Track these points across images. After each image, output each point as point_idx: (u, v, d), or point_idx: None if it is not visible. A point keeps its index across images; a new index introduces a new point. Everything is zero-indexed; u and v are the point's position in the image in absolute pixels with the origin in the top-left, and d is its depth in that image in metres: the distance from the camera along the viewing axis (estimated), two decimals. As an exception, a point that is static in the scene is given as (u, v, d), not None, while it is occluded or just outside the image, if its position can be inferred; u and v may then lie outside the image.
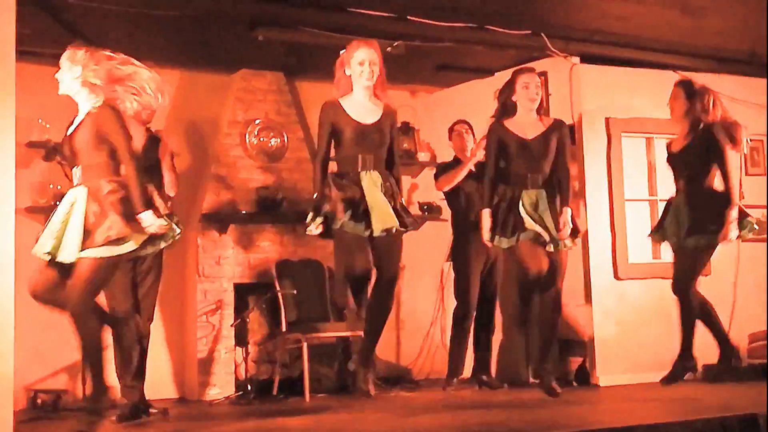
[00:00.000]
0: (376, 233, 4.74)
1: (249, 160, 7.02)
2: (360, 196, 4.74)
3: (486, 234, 5.38)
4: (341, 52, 6.15)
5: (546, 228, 5.22)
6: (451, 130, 6.77)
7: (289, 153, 7.16)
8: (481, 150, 6.36)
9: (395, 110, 5.08)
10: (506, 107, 5.40)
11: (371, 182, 4.79)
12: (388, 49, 6.34)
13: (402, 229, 4.84)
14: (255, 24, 6.03)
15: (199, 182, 6.91)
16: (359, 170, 4.80)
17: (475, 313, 6.52)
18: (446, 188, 6.59)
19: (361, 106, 4.90)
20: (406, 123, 7.79)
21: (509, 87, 5.40)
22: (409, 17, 6.13)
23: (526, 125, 5.36)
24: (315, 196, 4.87)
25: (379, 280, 4.85)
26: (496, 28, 6.40)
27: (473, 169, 6.51)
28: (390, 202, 4.81)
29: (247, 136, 7.02)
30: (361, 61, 4.87)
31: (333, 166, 4.97)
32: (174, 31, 6.18)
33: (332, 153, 4.96)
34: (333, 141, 4.89)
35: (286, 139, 7.15)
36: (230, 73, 7.13)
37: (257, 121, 7.07)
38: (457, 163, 6.66)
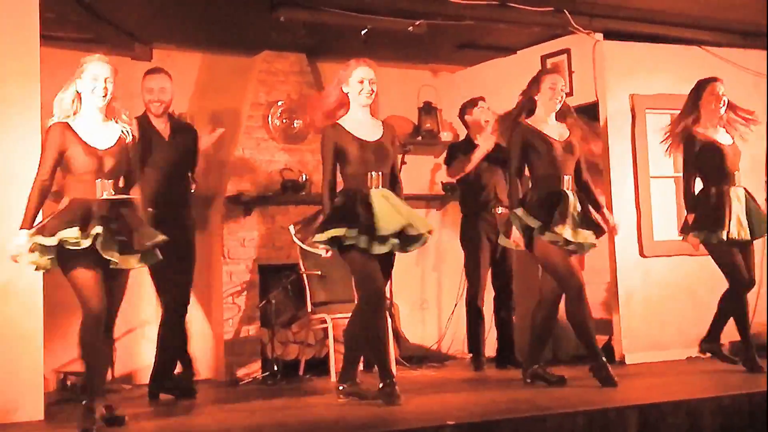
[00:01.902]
0: (385, 248, 4.75)
1: (272, 141, 7.04)
2: (370, 215, 4.71)
3: (517, 239, 5.29)
4: (362, 32, 6.19)
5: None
6: (465, 107, 6.74)
7: (312, 134, 7.15)
8: (492, 139, 6.36)
9: (394, 127, 5.09)
10: (528, 105, 5.37)
11: (382, 199, 4.78)
12: (410, 28, 6.34)
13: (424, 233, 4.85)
14: (276, 5, 6.02)
15: (223, 164, 6.94)
16: (370, 187, 4.80)
17: (483, 293, 6.54)
18: (457, 177, 6.60)
19: (362, 124, 4.91)
20: (428, 103, 7.77)
21: (535, 86, 5.36)
22: (430, -5, 6.10)
23: (549, 125, 5.33)
24: (322, 216, 4.85)
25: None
26: (518, 6, 6.35)
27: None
28: (402, 219, 4.78)
29: (269, 117, 7.03)
30: (360, 80, 4.87)
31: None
32: (195, 13, 6.19)
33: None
34: (338, 161, 4.88)
35: (308, 121, 7.15)
36: (252, 55, 7.13)
37: (280, 103, 7.07)
38: (468, 144, 6.65)
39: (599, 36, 6.73)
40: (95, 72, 4.31)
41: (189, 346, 5.72)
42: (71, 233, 4.11)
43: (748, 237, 5.59)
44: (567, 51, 6.90)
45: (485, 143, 6.47)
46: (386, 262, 4.93)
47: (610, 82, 6.68)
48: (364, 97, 4.89)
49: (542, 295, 5.43)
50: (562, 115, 5.41)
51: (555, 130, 5.34)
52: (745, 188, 5.72)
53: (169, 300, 5.42)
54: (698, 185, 5.76)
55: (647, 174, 6.69)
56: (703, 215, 5.60)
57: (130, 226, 4.30)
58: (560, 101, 5.34)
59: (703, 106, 5.70)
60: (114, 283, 4.32)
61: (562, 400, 4.64)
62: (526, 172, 5.46)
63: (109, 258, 4.18)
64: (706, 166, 5.66)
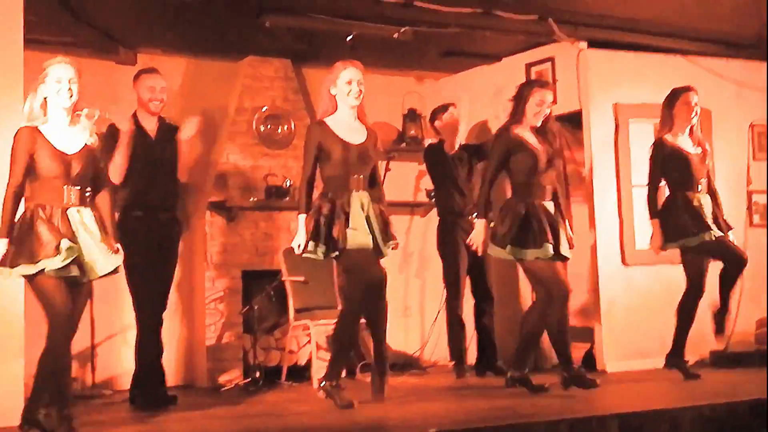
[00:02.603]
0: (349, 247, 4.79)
1: (256, 147, 7.02)
2: (347, 220, 4.78)
3: (477, 245, 5.35)
4: (348, 38, 6.22)
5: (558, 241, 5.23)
6: (435, 113, 6.78)
7: (297, 140, 7.15)
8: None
9: (377, 133, 5.12)
10: (517, 113, 5.36)
11: (360, 204, 4.84)
12: (395, 35, 6.35)
13: (383, 251, 4.93)
14: (262, 10, 6.02)
15: (207, 169, 6.92)
16: (351, 190, 4.84)
17: (463, 300, 6.56)
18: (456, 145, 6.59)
19: (348, 126, 4.93)
20: (413, 110, 7.79)
21: (525, 95, 5.35)
22: (415, 3, 6.10)
23: (531, 136, 5.33)
24: (303, 217, 4.86)
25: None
26: (503, 14, 6.37)
27: (457, 154, 6.55)
28: (378, 224, 4.88)
29: (254, 123, 7.02)
30: (348, 81, 4.90)
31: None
32: (180, 17, 6.17)
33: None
34: (319, 161, 4.91)
35: (293, 126, 7.15)
36: (237, 60, 7.12)
37: (264, 109, 7.06)
38: (440, 148, 6.68)
39: (583, 45, 6.76)
40: (58, 74, 4.29)
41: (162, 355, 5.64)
42: (54, 264, 4.10)
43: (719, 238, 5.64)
44: (551, 59, 6.94)
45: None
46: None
47: (594, 91, 6.71)
48: (352, 98, 4.91)
49: (535, 300, 5.45)
50: (542, 129, 5.39)
51: (535, 140, 5.34)
52: (710, 195, 5.78)
53: (145, 307, 5.36)
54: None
55: (630, 182, 6.71)
56: (672, 222, 5.63)
57: (95, 242, 4.29)
58: (544, 117, 5.34)
59: (676, 114, 5.75)
60: (75, 291, 4.27)
61: (544, 408, 4.65)
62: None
63: (74, 274, 4.18)
64: (672, 173, 5.71)
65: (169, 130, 5.56)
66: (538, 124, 5.34)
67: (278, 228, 6.96)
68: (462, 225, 6.59)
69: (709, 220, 5.63)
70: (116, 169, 5.24)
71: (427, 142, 7.67)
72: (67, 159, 4.27)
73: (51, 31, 6.01)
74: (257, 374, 6.31)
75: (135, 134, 5.30)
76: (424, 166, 7.33)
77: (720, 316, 5.75)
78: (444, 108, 6.78)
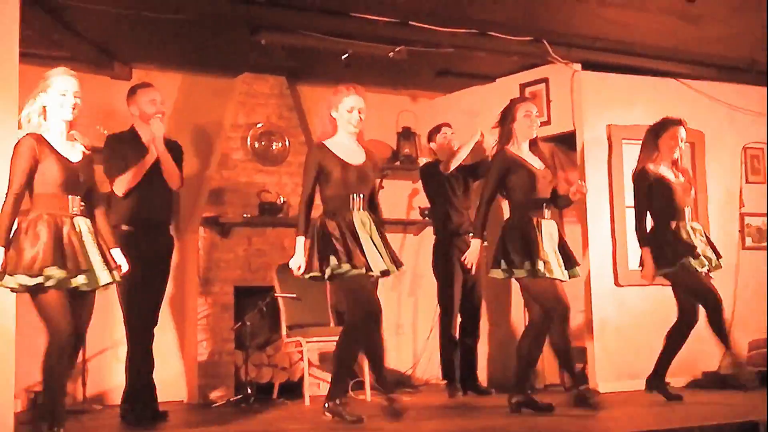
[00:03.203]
0: (374, 275, 4.85)
1: (250, 163, 7.04)
2: (354, 238, 4.81)
3: (471, 264, 5.34)
4: (343, 56, 6.24)
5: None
6: (431, 134, 6.82)
7: (291, 157, 7.18)
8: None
9: (376, 154, 5.16)
10: (506, 135, 5.35)
11: (362, 223, 4.87)
12: (390, 54, 6.38)
13: (395, 271, 4.97)
14: (257, 28, 6.05)
15: (201, 185, 6.93)
16: (351, 210, 4.87)
17: (456, 320, 6.56)
18: (452, 167, 6.57)
19: (347, 148, 4.98)
20: (407, 128, 7.82)
21: (510, 115, 5.36)
22: (410, 22, 6.15)
23: (526, 154, 5.34)
24: (302, 239, 4.87)
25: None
26: (498, 35, 6.42)
27: (454, 174, 6.58)
28: (385, 241, 4.93)
29: (248, 139, 7.04)
30: (350, 108, 4.94)
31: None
32: (176, 34, 6.20)
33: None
34: (319, 182, 4.94)
35: (287, 143, 7.17)
36: (232, 77, 7.14)
37: (259, 125, 7.08)
38: (438, 165, 6.70)
39: (577, 66, 6.81)
40: (63, 87, 4.25)
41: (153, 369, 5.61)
42: (58, 273, 4.07)
43: (704, 269, 5.65)
44: (545, 80, 6.98)
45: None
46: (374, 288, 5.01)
47: (588, 112, 6.74)
48: (352, 125, 4.96)
49: (530, 321, 5.43)
50: (532, 146, 5.41)
51: (533, 158, 5.35)
52: (699, 224, 5.80)
53: (136, 322, 5.34)
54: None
55: (623, 203, 6.74)
56: (660, 251, 5.64)
57: (97, 251, 4.28)
58: (536, 127, 5.36)
59: (661, 144, 5.74)
60: (81, 302, 4.25)
61: (536, 429, 4.65)
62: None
63: (77, 285, 4.16)
64: (656, 202, 5.70)
65: (166, 145, 5.56)
66: (534, 135, 5.34)
67: (271, 244, 6.97)
68: (458, 244, 6.60)
69: (699, 250, 5.62)
70: (124, 183, 5.25)
71: (422, 161, 7.70)
72: (72, 167, 4.25)
73: (47, 45, 6.04)
74: (249, 391, 6.29)
75: (134, 147, 5.30)
76: (417, 185, 7.36)
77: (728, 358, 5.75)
78: (438, 129, 6.81)
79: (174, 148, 5.56)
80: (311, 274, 4.86)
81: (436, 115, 7.61)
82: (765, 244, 7.23)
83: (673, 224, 5.65)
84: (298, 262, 4.87)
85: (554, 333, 5.18)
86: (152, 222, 5.39)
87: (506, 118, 5.38)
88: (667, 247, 5.62)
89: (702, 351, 5.98)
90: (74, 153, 4.31)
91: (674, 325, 5.74)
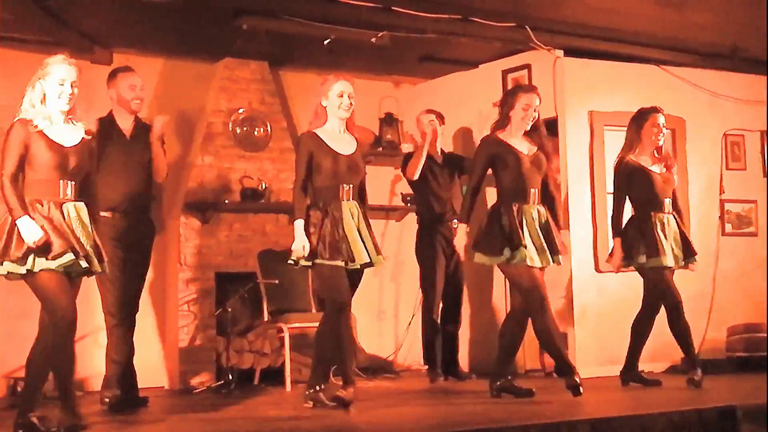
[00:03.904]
0: (356, 266, 4.89)
1: (232, 149, 7.01)
2: (341, 229, 4.84)
3: (459, 249, 5.36)
4: (325, 42, 6.23)
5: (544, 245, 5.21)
6: (418, 118, 6.83)
7: (273, 143, 7.15)
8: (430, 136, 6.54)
9: (366, 145, 5.15)
10: (502, 119, 5.33)
11: (350, 213, 4.90)
12: (373, 39, 6.37)
13: (380, 263, 5.01)
14: (239, 13, 6.02)
15: (182, 171, 6.90)
16: (341, 200, 4.89)
17: (439, 306, 6.59)
18: (415, 175, 6.61)
19: (337, 137, 5.00)
20: (390, 114, 7.81)
21: (510, 101, 5.34)
22: (393, 8, 6.12)
23: (519, 140, 5.31)
24: (301, 222, 4.88)
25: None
26: (480, 21, 6.41)
27: (438, 161, 6.59)
28: (370, 232, 4.97)
29: (230, 125, 7.01)
30: (340, 93, 4.97)
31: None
32: (157, 19, 6.16)
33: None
34: (311, 171, 4.95)
35: (269, 129, 7.14)
36: (214, 62, 7.10)
37: (241, 111, 7.05)
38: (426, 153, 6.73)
39: (560, 52, 6.80)
40: (62, 75, 4.22)
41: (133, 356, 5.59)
42: (47, 264, 4.05)
43: (679, 264, 5.70)
44: (528, 66, 6.97)
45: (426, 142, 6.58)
46: (356, 274, 5.01)
47: (570, 99, 6.75)
48: (343, 110, 4.98)
49: (512, 308, 5.45)
50: (532, 130, 5.36)
51: (523, 144, 5.32)
52: (674, 215, 5.79)
53: (116, 308, 5.32)
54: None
55: (604, 190, 6.76)
56: (629, 241, 5.67)
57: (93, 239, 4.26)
58: (532, 121, 5.31)
59: (643, 135, 5.76)
60: (73, 283, 4.25)
61: (516, 413, 4.66)
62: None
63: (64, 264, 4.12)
64: (635, 192, 5.74)
65: (144, 130, 5.53)
66: (528, 128, 5.31)
67: (253, 230, 6.95)
68: (440, 230, 6.62)
69: (673, 244, 5.65)
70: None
71: (405, 147, 7.69)
72: (64, 151, 4.21)
73: (26, 29, 5.98)
74: (230, 377, 6.29)
75: (106, 136, 5.26)
76: (400, 171, 7.35)
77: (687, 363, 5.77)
78: (425, 112, 6.82)
79: (149, 131, 5.53)
80: (303, 261, 4.88)
81: (418, 101, 7.62)
82: (744, 230, 7.28)
83: (651, 215, 5.68)
84: (301, 243, 4.87)
85: (536, 321, 5.19)
86: (131, 208, 5.36)
87: (505, 104, 5.37)
88: (633, 240, 5.66)
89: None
90: (71, 137, 4.27)
91: (637, 315, 5.83)
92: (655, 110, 5.80)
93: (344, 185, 4.92)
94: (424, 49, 7.06)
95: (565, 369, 5.22)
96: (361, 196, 5.07)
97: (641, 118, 5.81)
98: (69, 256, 4.09)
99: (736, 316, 6.98)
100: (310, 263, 4.90)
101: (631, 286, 6.57)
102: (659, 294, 5.70)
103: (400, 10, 6.14)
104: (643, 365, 6.02)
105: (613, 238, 5.80)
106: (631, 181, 5.73)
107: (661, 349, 6.16)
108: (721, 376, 6.28)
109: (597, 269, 6.69)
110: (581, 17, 6.55)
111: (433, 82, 7.84)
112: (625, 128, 6.87)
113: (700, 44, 7.16)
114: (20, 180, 4.17)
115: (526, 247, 5.10)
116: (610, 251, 5.86)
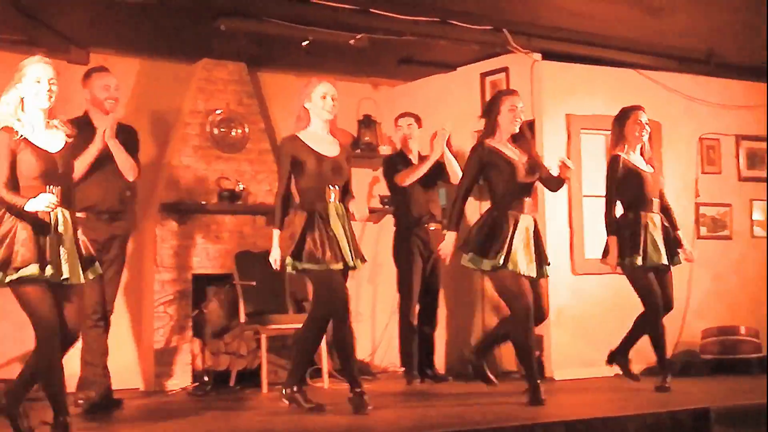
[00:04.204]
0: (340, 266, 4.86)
1: (209, 150, 6.98)
2: (326, 232, 4.83)
3: (445, 256, 5.27)
4: (304, 43, 6.22)
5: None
6: (396, 121, 6.83)
7: (251, 144, 7.14)
8: (440, 149, 6.44)
9: (350, 146, 5.15)
10: (490, 127, 5.29)
11: (337, 215, 4.89)
12: (351, 41, 6.37)
13: (359, 266, 5.00)
14: (217, 14, 6.00)
15: (159, 172, 6.87)
16: (327, 202, 4.88)
17: (416, 308, 6.60)
18: (407, 182, 6.62)
19: (321, 139, 4.99)
20: (368, 116, 7.81)
21: (495, 107, 5.30)
22: (372, 10, 6.13)
23: (507, 148, 5.27)
24: (278, 232, 4.89)
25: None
26: (459, 23, 6.42)
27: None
28: (352, 238, 4.95)
29: (208, 126, 6.99)
30: (323, 95, 4.96)
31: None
32: (135, 19, 6.13)
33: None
34: (294, 174, 4.94)
35: (247, 130, 7.12)
36: (191, 63, 7.08)
37: (218, 112, 7.03)
38: (402, 156, 6.72)
39: (537, 56, 6.83)
40: (37, 74, 4.16)
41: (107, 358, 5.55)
42: (31, 270, 4.00)
43: (665, 262, 5.70)
44: (505, 69, 7.00)
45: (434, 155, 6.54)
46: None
47: (547, 102, 6.78)
48: (326, 112, 4.97)
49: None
50: (518, 135, 5.33)
51: (513, 152, 5.27)
52: (661, 215, 5.81)
53: (91, 310, 5.28)
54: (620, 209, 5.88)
55: (580, 193, 6.80)
56: (621, 239, 5.70)
57: (78, 248, 4.23)
58: (519, 122, 5.28)
59: (627, 132, 5.78)
60: (63, 296, 4.19)
61: (491, 415, 4.68)
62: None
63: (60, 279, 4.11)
64: (626, 191, 5.75)
65: (120, 130, 5.49)
66: (516, 130, 5.28)
67: (230, 231, 6.93)
68: (418, 233, 6.63)
69: (659, 243, 5.66)
70: (78, 169, 5.19)
71: (382, 149, 7.70)
72: (51, 157, 4.15)
73: (2, 29, 5.94)
74: (206, 379, 6.28)
75: (81, 137, 5.22)
76: (378, 172, 7.36)
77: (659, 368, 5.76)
78: (403, 115, 6.83)
79: (130, 134, 5.51)
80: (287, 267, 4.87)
81: (397, 104, 7.63)
82: (719, 233, 7.35)
83: (640, 214, 5.70)
84: (274, 256, 4.89)
85: (517, 330, 5.15)
86: (107, 209, 5.33)
87: (491, 111, 5.32)
88: (627, 237, 5.67)
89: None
90: (54, 142, 4.22)
91: (644, 314, 5.73)
92: (636, 108, 5.82)
93: (330, 186, 4.90)
94: (403, 52, 7.07)
95: (531, 381, 5.15)
96: (347, 196, 5.05)
97: (623, 117, 5.82)
98: (33, 267, 4.01)
99: (710, 319, 7.03)
100: (305, 267, 4.84)
101: (607, 288, 6.64)
102: (640, 294, 5.70)
103: (379, 12, 6.15)
104: (616, 367, 6.05)
105: (608, 236, 5.75)
106: (624, 180, 5.72)
107: (637, 351, 6.18)
108: (695, 378, 6.33)
109: (573, 272, 6.72)
110: (559, 21, 6.59)
111: (412, 84, 7.86)
112: (602, 132, 6.96)
113: (676, 49, 7.22)
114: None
115: (515, 256, 5.07)
116: (603, 250, 5.80)
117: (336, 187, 4.93)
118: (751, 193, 7.57)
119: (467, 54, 7.06)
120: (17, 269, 3.99)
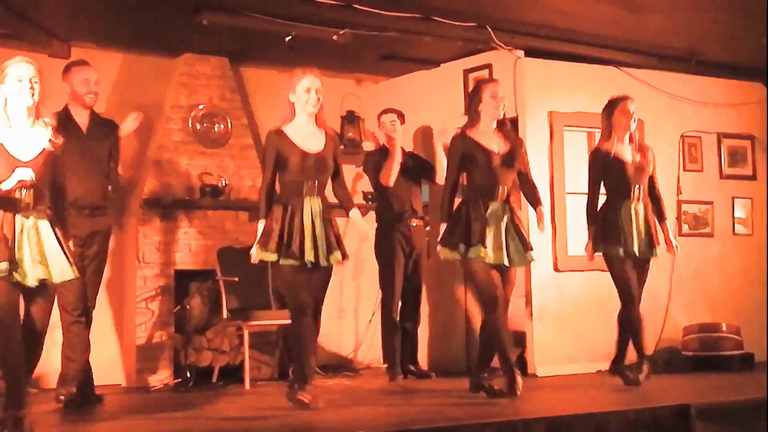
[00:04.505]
0: (308, 262, 4.85)
1: (192, 145, 6.96)
2: (297, 225, 4.84)
3: (439, 246, 5.27)
4: (287, 38, 6.20)
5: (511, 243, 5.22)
6: (379, 118, 6.83)
7: (233, 139, 7.11)
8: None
9: (337, 134, 5.17)
10: (472, 118, 5.33)
11: (310, 210, 4.88)
12: (334, 37, 6.35)
13: (335, 262, 4.97)
14: (199, 8, 5.97)
15: (141, 167, 6.83)
16: (303, 197, 4.88)
17: (398, 304, 6.60)
18: (390, 182, 6.61)
19: (306, 134, 4.97)
20: (351, 112, 7.80)
21: (476, 97, 5.33)
22: (355, 5, 6.10)
23: (489, 137, 5.31)
24: (263, 222, 4.89)
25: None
26: (442, 20, 6.42)
27: (399, 160, 6.61)
28: (328, 231, 4.93)
29: (190, 121, 6.96)
30: (307, 89, 4.94)
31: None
32: (116, 13, 6.10)
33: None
34: (278, 168, 4.94)
35: (230, 125, 7.10)
36: (174, 57, 7.04)
37: (201, 107, 7.00)
38: (384, 151, 6.72)
39: (520, 53, 6.84)
40: (19, 73, 4.16)
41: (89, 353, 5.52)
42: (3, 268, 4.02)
43: (638, 254, 5.69)
44: (488, 66, 7.00)
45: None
46: (323, 276, 5.01)
47: (530, 99, 6.79)
48: (310, 106, 4.96)
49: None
50: (501, 126, 5.38)
51: (494, 142, 5.31)
52: (645, 204, 5.79)
53: (72, 306, 5.25)
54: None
55: (563, 190, 6.81)
56: (602, 228, 5.71)
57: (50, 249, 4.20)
58: (503, 108, 5.32)
59: (614, 122, 5.79)
60: (40, 296, 4.21)
61: (472, 411, 4.69)
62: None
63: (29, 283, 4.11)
64: (608, 180, 5.77)
65: (101, 125, 5.47)
66: (501, 116, 5.31)
67: (213, 227, 6.90)
68: (399, 229, 6.63)
69: (635, 233, 5.64)
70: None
71: (366, 145, 7.69)
72: (21, 165, 4.12)
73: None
74: (188, 375, 6.26)
75: (66, 128, 5.20)
76: (361, 169, 7.35)
77: (637, 365, 5.72)
78: (386, 111, 6.82)
79: (112, 128, 5.49)
80: (260, 257, 4.87)
81: (380, 99, 7.62)
82: (701, 230, 7.38)
83: (620, 203, 5.69)
84: (256, 249, 4.91)
85: (487, 320, 5.22)
86: (88, 204, 5.30)
87: (473, 101, 5.37)
88: (600, 226, 5.69)
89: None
90: (32, 147, 4.19)
91: (620, 309, 5.73)
92: (623, 98, 5.83)
93: (308, 181, 4.89)
94: (386, 48, 7.06)
95: (506, 370, 5.17)
96: (340, 187, 5.12)
97: (611, 107, 5.83)
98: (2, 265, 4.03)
99: (691, 316, 7.07)
100: (274, 259, 4.86)
101: (590, 285, 6.66)
102: (616, 284, 5.70)
103: (362, 8, 6.12)
104: (600, 364, 6.07)
105: (588, 227, 5.77)
106: (605, 170, 5.74)
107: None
108: (677, 375, 6.36)
109: (556, 268, 6.73)
110: (542, 18, 6.59)
111: (395, 80, 7.85)
112: (585, 129, 6.98)
113: (658, 47, 7.23)
114: None
115: (485, 245, 5.11)
116: (587, 241, 5.81)
117: (316, 181, 4.92)
118: (733, 190, 7.61)
119: (450, 50, 7.06)
120: None
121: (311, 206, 4.90)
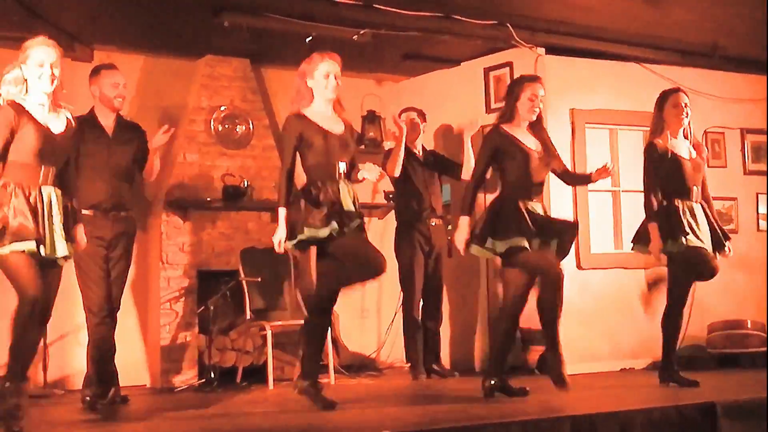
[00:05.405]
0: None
1: (214, 146, 6.99)
2: (340, 206, 4.76)
3: (459, 243, 5.17)
4: (307, 39, 6.21)
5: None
6: (400, 117, 6.80)
7: (255, 140, 7.14)
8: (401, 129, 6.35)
9: (353, 124, 5.12)
10: (509, 112, 5.21)
11: (346, 191, 4.83)
12: (354, 37, 6.36)
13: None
14: (220, 9, 5.99)
15: (164, 169, 6.84)
16: (337, 179, 4.81)
17: (419, 303, 6.59)
18: (396, 171, 6.57)
19: (326, 117, 4.92)
20: (372, 111, 7.80)
21: (516, 92, 5.21)
22: (375, 5, 6.12)
23: (525, 134, 5.20)
24: (284, 210, 4.79)
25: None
26: (462, 18, 6.41)
27: (419, 158, 6.58)
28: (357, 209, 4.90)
29: (212, 122, 6.99)
30: (326, 74, 4.88)
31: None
32: (137, 15, 6.13)
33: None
34: (301, 152, 4.86)
35: (251, 126, 7.12)
36: (195, 59, 7.08)
37: (222, 108, 7.03)
38: (405, 150, 6.69)
39: (541, 50, 6.82)
40: (40, 57, 4.18)
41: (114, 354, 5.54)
42: (28, 246, 4.04)
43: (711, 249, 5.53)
44: (509, 64, 6.98)
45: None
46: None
47: (551, 96, 6.71)
48: (329, 91, 4.90)
49: (504, 305, 5.40)
50: (535, 122, 5.25)
51: (531, 140, 5.20)
52: (702, 205, 5.62)
53: (98, 307, 5.28)
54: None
55: (586, 187, 6.78)
56: (660, 226, 5.46)
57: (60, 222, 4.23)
58: (537, 112, 5.19)
59: (666, 117, 5.58)
60: (47, 273, 4.20)
61: (496, 410, 4.68)
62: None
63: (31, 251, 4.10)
64: (663, 178, 5.52)
65: (126, 128, 5.51)
66: (534, 119, 5.21)
67: (235, 228, 6.93)
68: (419, 228, 6.63)
69: (699, 232, 5.46)
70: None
71: (387, 144, 7.68)
72: (52, 137, 4.18)
73: (5, 26, 5.93)
74: (212, 375, 6.28)
75: (88, 134, 5.24)
76: (381, 168, 7.33)
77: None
78: (406, 110, 6.81)
79: (137, 132, 5.53)
80: (293, 241, 4.77)
81: (401, 99, 7.62)
82: (725, 227, 7.30)
83: (678, 202, 5.50)
84: (279, 236, 4.78)
85: (544, 300, 5.10)
86: (113, 206, 5.34)
87: (511, 96, 5.24)
88: (667, 225, 5.46)
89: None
90: (57, 124, 4.26)
91: (665, 310, 5.63)
92: (675, 90, 5.65)
93: (339, 164, 4.83)
94: (407, 47, 7.06)
95: (553, 350, 5.12)
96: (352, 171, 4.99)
97: (662, 100, 5.63)
98: (31, 244, 4.06)
99: (716, 313, 7.02)
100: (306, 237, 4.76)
101: (612, 283, 6.64)
102: (673, 284, 5.54)
103: (382, 7, 6.13)
104: (624, 362, 6.04)
105: (648, 224, 5.52)
106: (660, 166, 5.51)
107: (642, 345, 6.18)
108: (702, 372, 6.31)
109: (579, 266, 6.71)
110: (562, 15, 6.57)
111: (416, 79, 7.84)
112: (607, 126, 6.95)
113: (680, 42, 7.19)
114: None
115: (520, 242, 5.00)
116: (635, 236, 5.65)
117: (344, 162, 4.87)
118: (757, 186, 7.56)
119: (471, 49, 7.05)
120: (11, 241, 4.03)
121: (346, 188, 4.83)
